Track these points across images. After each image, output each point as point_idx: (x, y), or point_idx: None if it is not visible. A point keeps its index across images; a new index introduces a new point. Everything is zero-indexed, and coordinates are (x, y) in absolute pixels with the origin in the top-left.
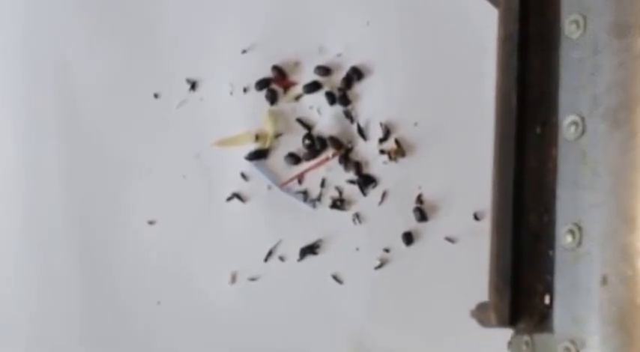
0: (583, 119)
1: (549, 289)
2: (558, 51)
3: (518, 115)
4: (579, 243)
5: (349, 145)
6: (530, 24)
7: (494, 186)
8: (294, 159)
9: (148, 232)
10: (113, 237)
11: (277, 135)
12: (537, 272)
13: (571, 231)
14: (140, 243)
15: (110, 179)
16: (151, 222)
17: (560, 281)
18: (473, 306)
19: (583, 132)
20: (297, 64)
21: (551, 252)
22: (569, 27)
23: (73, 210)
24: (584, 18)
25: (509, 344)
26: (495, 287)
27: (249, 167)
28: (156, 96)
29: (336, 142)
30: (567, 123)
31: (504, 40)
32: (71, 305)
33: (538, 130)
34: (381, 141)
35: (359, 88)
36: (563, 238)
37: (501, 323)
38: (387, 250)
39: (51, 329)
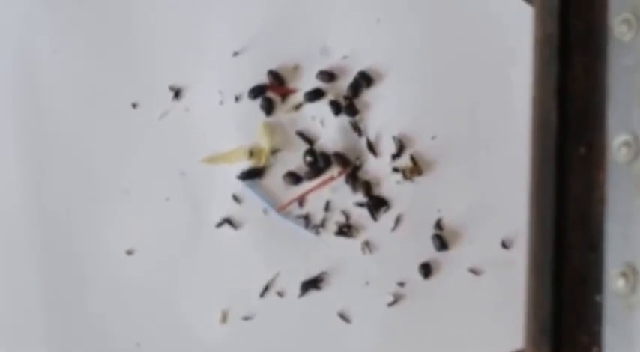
0: (636, 138)
1: (597, 342)
2: (606, 56)
3: (558, 133)
4: (633, 289)
5: (357, 162)
6: (572, 24)
7: (530, 218)
8: (293, 178)
9: (125, 263)
10: (85, 269)
11: (274, 151)
12: (582, 321)
13: (623, 274)
14: (117, 275)
15: (82, 202)
16: (129, 252)
17: (611, 333)
18: (500, 347)
19: (637, 154)
20: (296, 69)
21: (598, 298)
22: (619, 28)
23: (39, 238)
24: (638, 17)
25: None
26: (533, 338)
27: (241, 188)
28: (134, 106)
29: (342, 159)
30: (617, 143)
31: (541, 43)
32: (39, 347)
33: (582, 151)
34: (394, 157)
35: (368, 95)
36: (614, 282)
37: None
38: (401, 284)
39: None
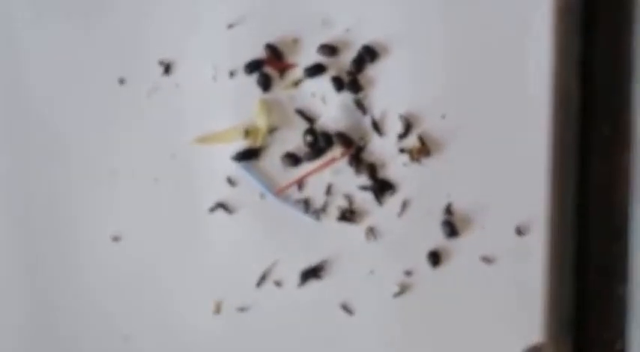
0: None
1: (621, 337)
2: (632, 27)
3: (580, 111)
4: None
5: (361, 142)
6: None
7: (549, 204)
8: (292, 159)
9: (111, 250)
10: (68, 256)
11: (271, 131)
12: (605, 314)
13: None
14: (102, 264)
15: (64, 184)
16: (115, 238)
17: (637, 328)
18: (515, 343)
19: None
20: (295, 42)
21: (623, 290)
22: None
23: (18, 223)
24: None
25: None
26: (552, 333)
27: (236, 170)
28: (121, 81)
29: (344, 139)
30: None
31: (562, 13)
32: (21, 340)
33: (606, 131)
34: (401, 137)
35: (373, 71)
36: None
37: None
38: (408, 273)
39: None
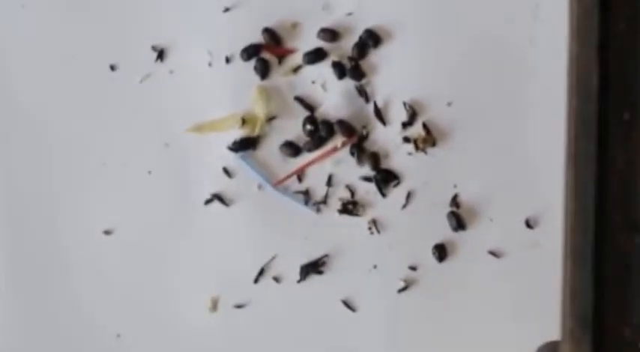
0: None
1: None
2: None
3: (599, 96)
4: None
5: (363, 131)
6: None
7: (566, 194)
8: (291, 149)
9: (103, 244)
10: (58, 251)
11: (270, 119)
12: (627, 312)
13: None
14: (93, 258)
15: (54, 176)
16: (107, 232)
17: None
18: (529, 341)
19: None
20: (295, 26)
21: None
22: None
23: (6, 216)
24: None
25: None
26: (571, 333)
27: (233, 160)
28: (113, 68)
29: (346, 127)
30: None
31: None
32: (6, 337)
33: (626, 116)
34: (405, 125)
35: (375, 56)
36: None
37: None
38: (413, 268)
39: None
